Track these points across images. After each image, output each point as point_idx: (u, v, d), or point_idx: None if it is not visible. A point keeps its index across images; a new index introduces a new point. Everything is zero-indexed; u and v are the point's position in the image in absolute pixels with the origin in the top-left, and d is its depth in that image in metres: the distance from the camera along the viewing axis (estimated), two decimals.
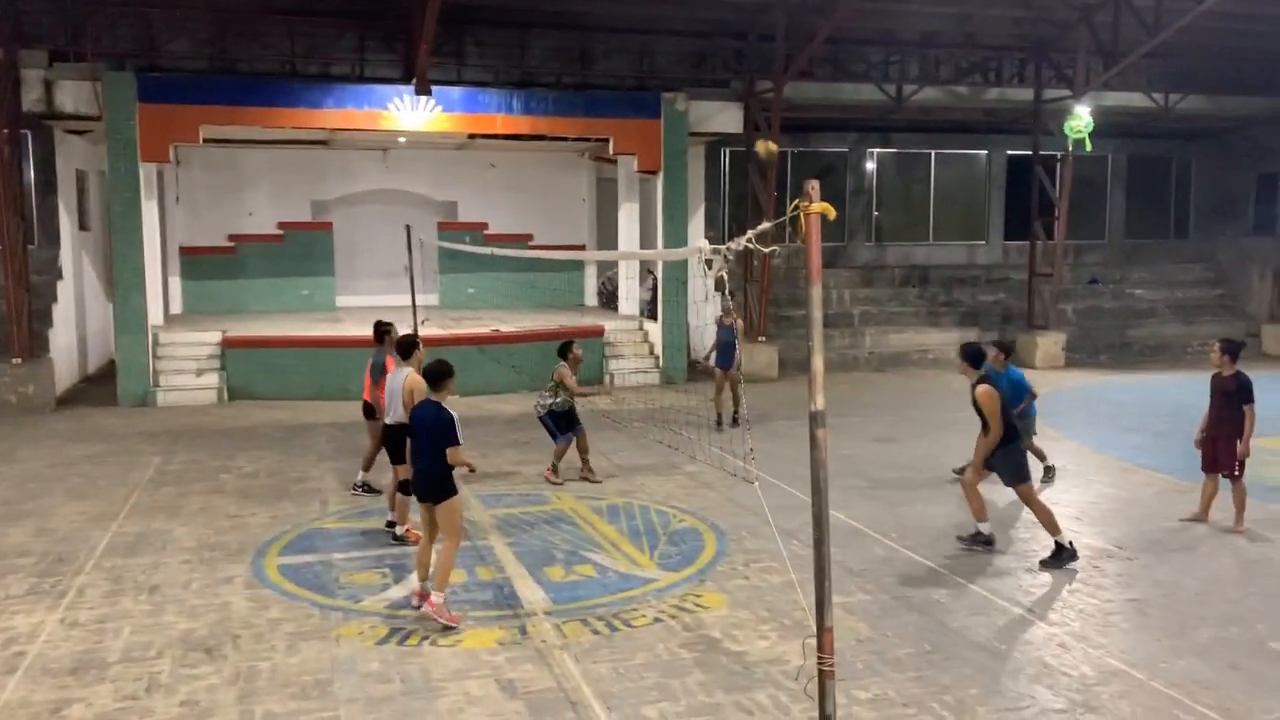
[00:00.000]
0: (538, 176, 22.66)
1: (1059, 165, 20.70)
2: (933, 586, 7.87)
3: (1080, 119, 18.80)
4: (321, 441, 13.39)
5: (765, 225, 5.65)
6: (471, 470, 7.59)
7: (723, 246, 5.70)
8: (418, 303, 15.03)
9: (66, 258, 17.50)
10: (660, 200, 18.53)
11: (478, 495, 10.53)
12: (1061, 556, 8.27)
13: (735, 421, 13.81)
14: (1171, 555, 8.69)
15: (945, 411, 15.07)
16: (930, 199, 24.13)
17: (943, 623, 7.15)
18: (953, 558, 8.52)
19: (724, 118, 18.89)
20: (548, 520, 9.73)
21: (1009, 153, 23.83)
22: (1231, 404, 9.15)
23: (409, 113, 16.89)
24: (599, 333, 18.36)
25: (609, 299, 22.06)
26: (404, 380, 8.63)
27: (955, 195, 24.30)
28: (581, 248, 22.35)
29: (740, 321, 14.80)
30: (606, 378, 17.50)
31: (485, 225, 22.23)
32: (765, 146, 13.16)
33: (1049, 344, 20.81)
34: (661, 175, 18.32)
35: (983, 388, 8.45)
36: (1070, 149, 19.62)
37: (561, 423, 11.10)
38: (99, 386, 17.37)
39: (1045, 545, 8.45)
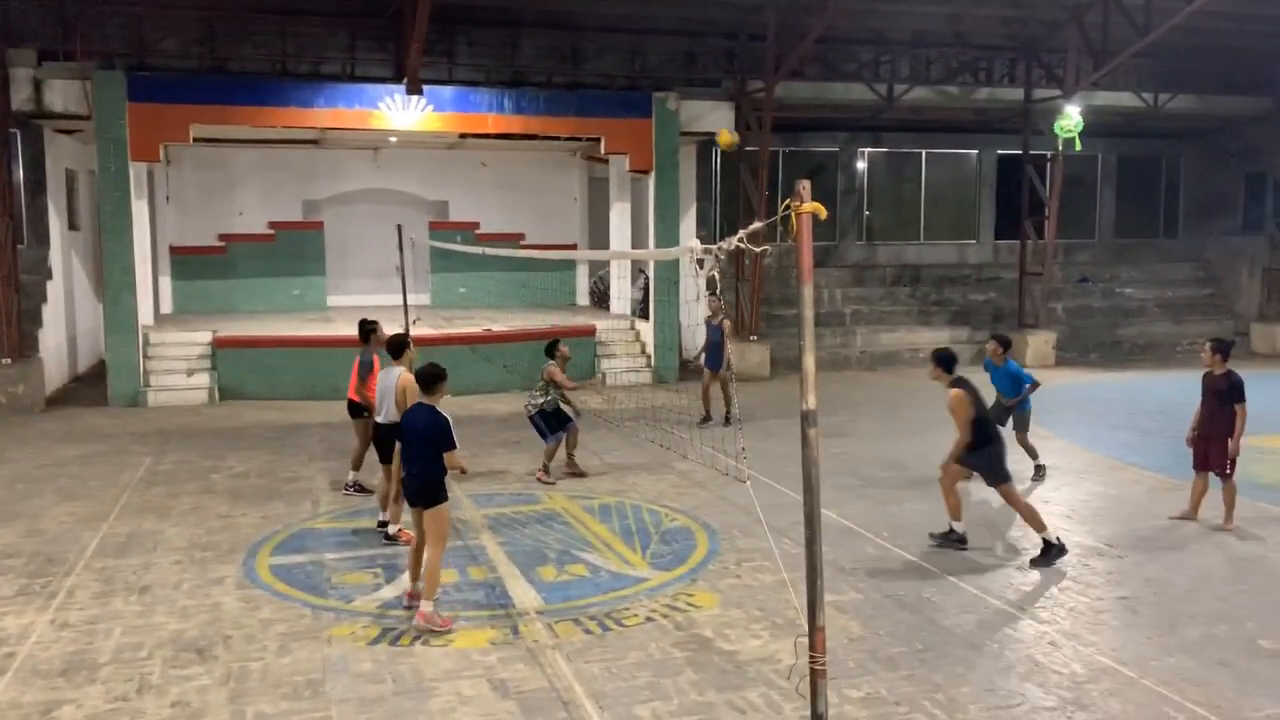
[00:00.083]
0: (529, 176, 22.64)
1: (1049, 164, 20.75)
2: (924, 585, 7.89)
3: (1070, 118, 18.88)
4: (313, 441, 13.37)
5: (757, 225, 5.68)
6: (463, 472, 7.59)
7: (714, 246, 5.72)
8: (409, 302, 15.02)
9: (56, 257, 17.43)
10: (652, 200, 18.52)
11: (469, 495, 10.52)
12: (1050, 553, 8.30)
13: (728, 421, 13.82)
14: (1161, 553, 8.72)
15: (937, 410, 14.87)
16: (921, 198, 24.15)
17: (934, 621, 7.17)
18: (944, 556, 8.55)
19: (715, 117, 18.86)
20: (539, 520, 9.73)
21: (999, 152, 23.86)
22: (1223, 403, 9.19)
23: (400, 112, 16.85)
24: (591, 332, 18.37)
25: (601, 298, 22.06)
26: (396, 379, 8.64)
27: (946, 194, 24.33)
28: (573, 247, 22.34)
29: (728, 321, 14.78)
30: (599, 376, 17.52)
31: (477, 225, 22.21)
32: (725, 136, 13.18)
33: (1039, 342, 20.87)
34: (653, 175, 18.31)
35: (954, 392, 8.49)
36: (1060, 148, 19.69)
37: (551, 422, 11.09)
38: (89, 387, 17.31)
39: (1036, 543, 8.47)
